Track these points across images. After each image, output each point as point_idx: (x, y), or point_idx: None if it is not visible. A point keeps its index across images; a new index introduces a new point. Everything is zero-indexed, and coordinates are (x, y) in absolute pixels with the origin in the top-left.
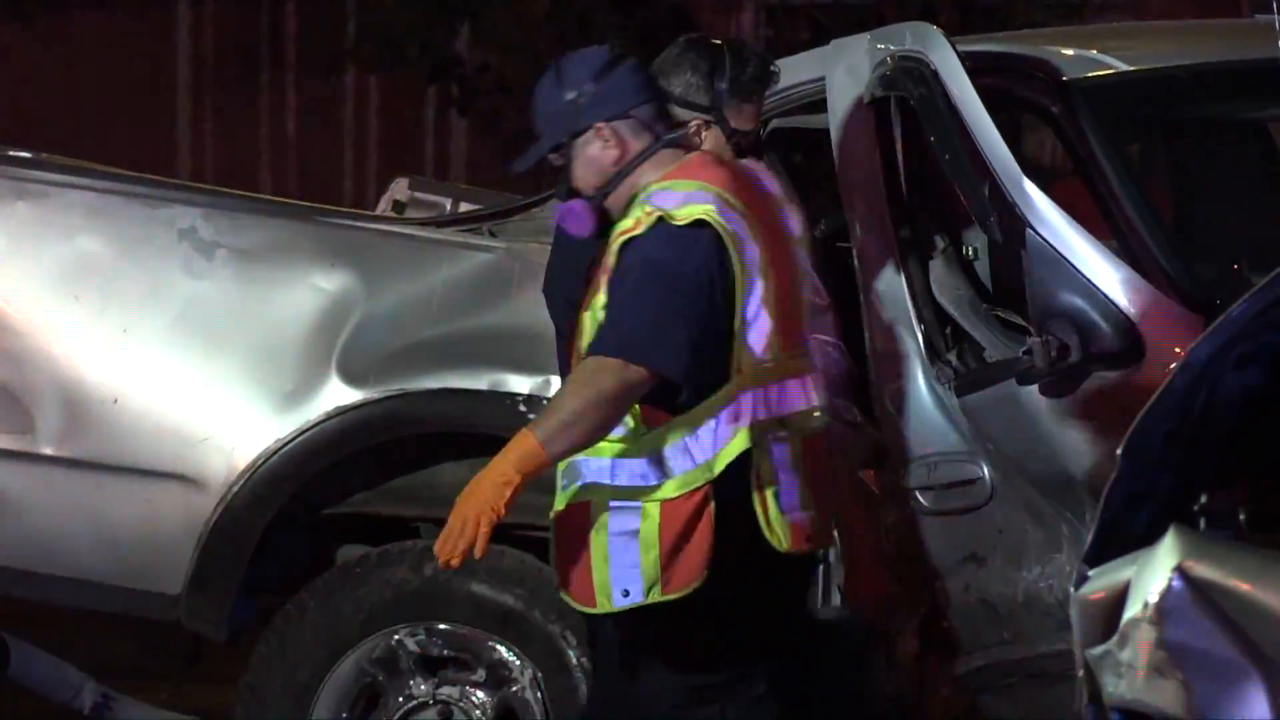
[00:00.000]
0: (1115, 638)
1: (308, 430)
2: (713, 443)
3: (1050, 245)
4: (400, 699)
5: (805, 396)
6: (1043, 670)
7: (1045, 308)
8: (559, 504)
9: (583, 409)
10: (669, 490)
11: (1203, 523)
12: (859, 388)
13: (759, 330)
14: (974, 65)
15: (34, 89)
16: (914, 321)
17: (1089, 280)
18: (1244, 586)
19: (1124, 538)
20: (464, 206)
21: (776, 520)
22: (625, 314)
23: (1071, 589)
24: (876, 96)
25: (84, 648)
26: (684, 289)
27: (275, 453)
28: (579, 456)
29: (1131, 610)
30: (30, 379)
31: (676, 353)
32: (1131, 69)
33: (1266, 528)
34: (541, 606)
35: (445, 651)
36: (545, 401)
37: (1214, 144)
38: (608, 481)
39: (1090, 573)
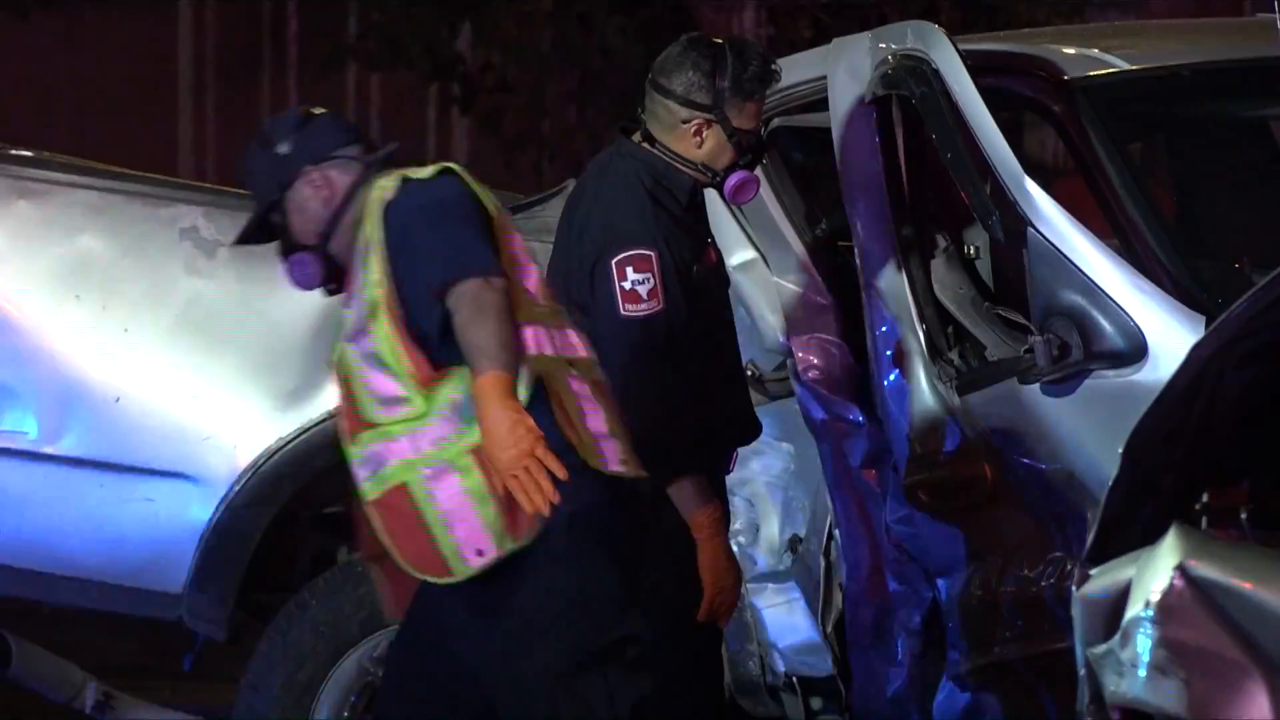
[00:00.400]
0: (1117, 636)
1: (309, 429)
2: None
3: (1052, 244)
4: None
5: (584, 347)
6: (1044, 670)
7: (1047, 306)
8: (372, 493)
9: (500, 327)
10: (476, 435)
11: (1204, 521)
12: (860, 386)
13: (528, 276)
14: (975, 64)
15: (35, 87)
16: (915, 320)
17: (1090, 279)
18: (1245, 585)
19: (1125, 536)
20: None
21: (588, 442)
22: (437, 245)
23: (1073, 588)
24: (878, 95)
25: (86, 646)
26: (465, 211)
27: (277, 451)
28: (376, 444)
29: (1133, 609)
30: (32, 378)
31: (493, 259)
32: (1133, 68)
33: (1268, 526)
34: None
35: None
36: None
37: (1215, 143)
38: (412, 455)
39: (1092, 571)
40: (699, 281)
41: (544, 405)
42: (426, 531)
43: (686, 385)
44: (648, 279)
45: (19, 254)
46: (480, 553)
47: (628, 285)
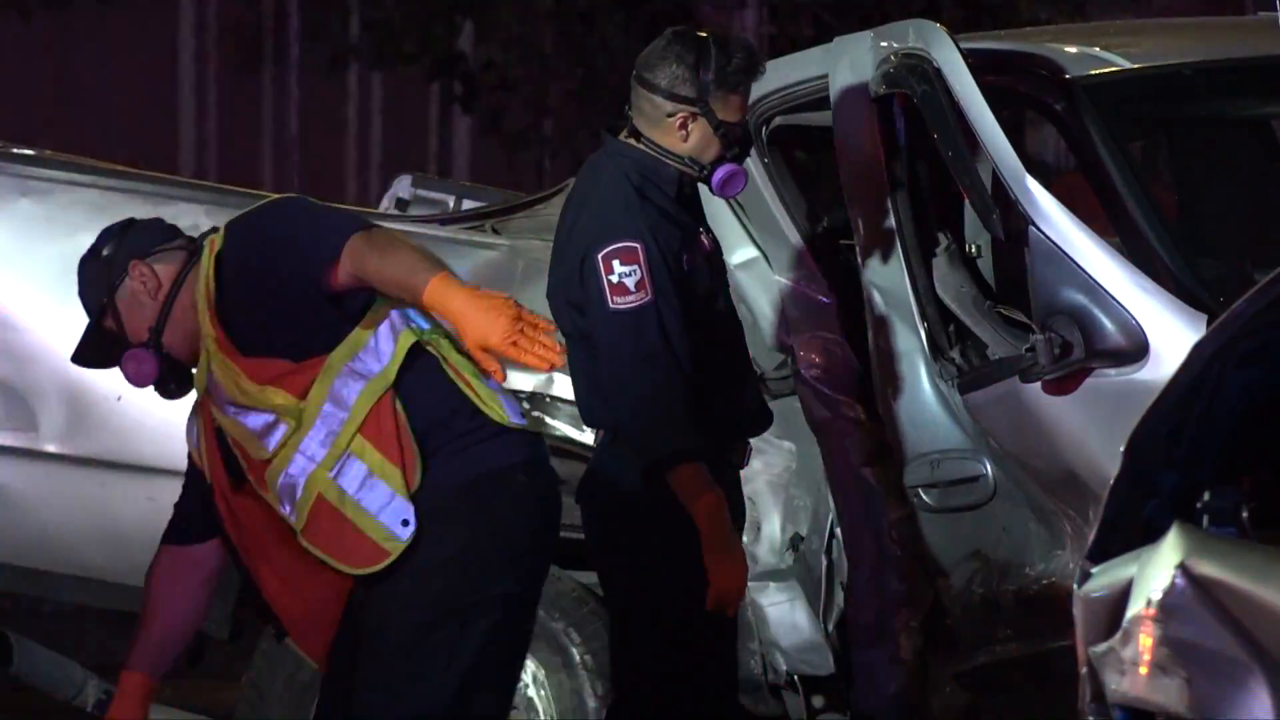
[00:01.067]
0: (1118, 635)
1: None
2: (378, 357)
3: (1053, 242)
4: None
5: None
6: (1045, 668)
7: (1048, 305)
8: (301, 523)
9: (410, 250)
10: (358, 416)
11: (1206, 520)
12: (862, 385)
13: None
14: (977, 62)
15: (36, 86)
16: (917, 319)
17: (1092, 277)
18: (1247, 584)
19: (1127, 535)
20: (467, 204)
21: (488, 396)
22: (304, 235)
23: (1074, 586)
24: (879, 94)
25: (87, 644)
26: (309, 204)
27: None
28: (280, 475)
29: (1134, 607)
30: (33, 376)
31: (364, 221)
32: (1134, 66)
33: (1269, 525)
34: (544, 604)
35: None
36: (547, 399)
37: (1217, 141)
38: (312, 466)
39: (1093, 570)
40: (691, 272)
41: (434, 369)
42: (352, 524)
43: (682, 375)
44: (634, 271)
45: (21, 252)
46: (406, 522)
47: (615, 278)
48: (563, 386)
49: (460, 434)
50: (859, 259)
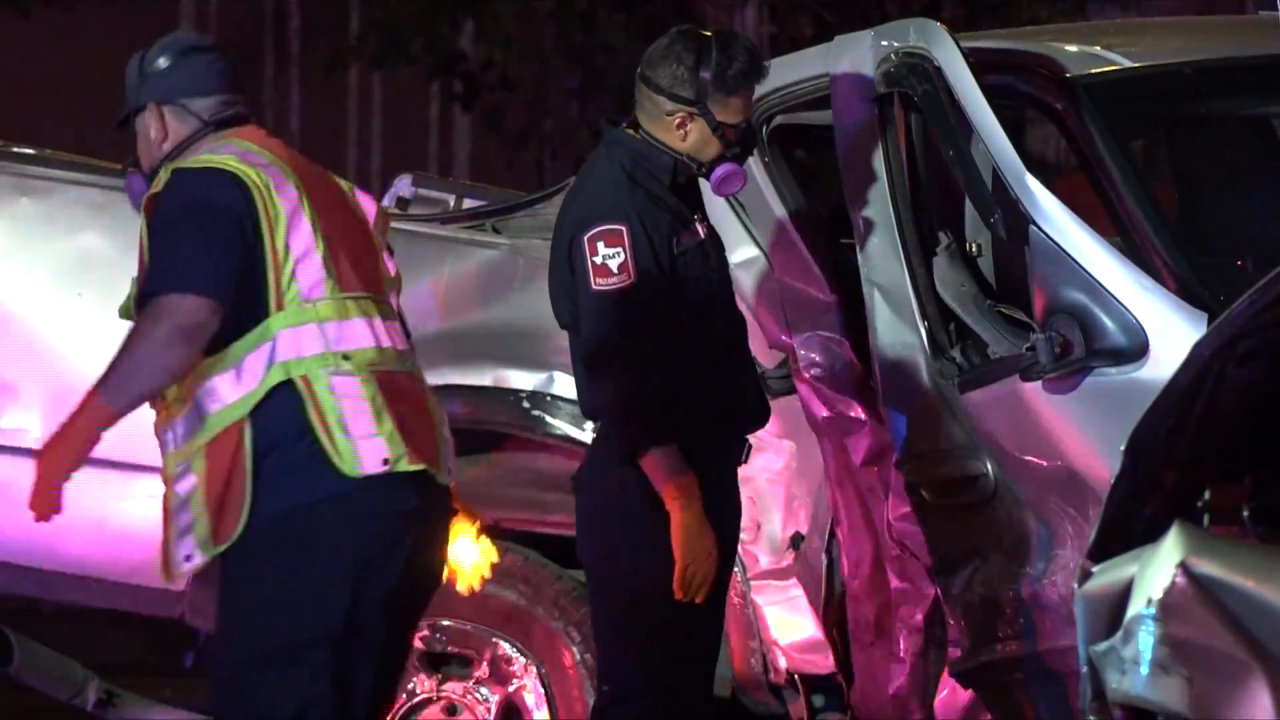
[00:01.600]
0: (1119, 634)
1: None
2: (245, 381)
3: (1053, 241)
4: (404, 695)
5: (373, 336)
6: (1046, 667)
7: (1049, 304)
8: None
9: (141, 357)
10: (208, 434)
11: (1206, 519)
12: (862, 384)
13: (308, 268)
14: (977, 61)
15: (37, 85)
16: (917, 317)
17: (1092, 276)
18: (1247, 583)
19: (1128, 534)
20: (468, 203)
21: (344, 446)
22: (165, 253)
23: (1075, 585)
24: (880, 93)
25: (87, 644)
26: (215, 220)
27: None
28: (164, 433)
29: (1135, 606)
30: (34, 375)
31: (219, 279)
32: (1135, 65)
33: (1270, 523)
34: (544, 603)
35: (449, 648)
36: (548, 398)
37: (1217, 140)
38: (174, 448)
39: (1094, 569)
40: (683, 253)
41: (294, 406)
42: (168, 531)
43: (658, 360)
44: (618, 253)
45: (21, 251)
46: (189, 558)
47: (599, 260)
48: (563, 385)
49: (284, 471)
50: (859, 258)
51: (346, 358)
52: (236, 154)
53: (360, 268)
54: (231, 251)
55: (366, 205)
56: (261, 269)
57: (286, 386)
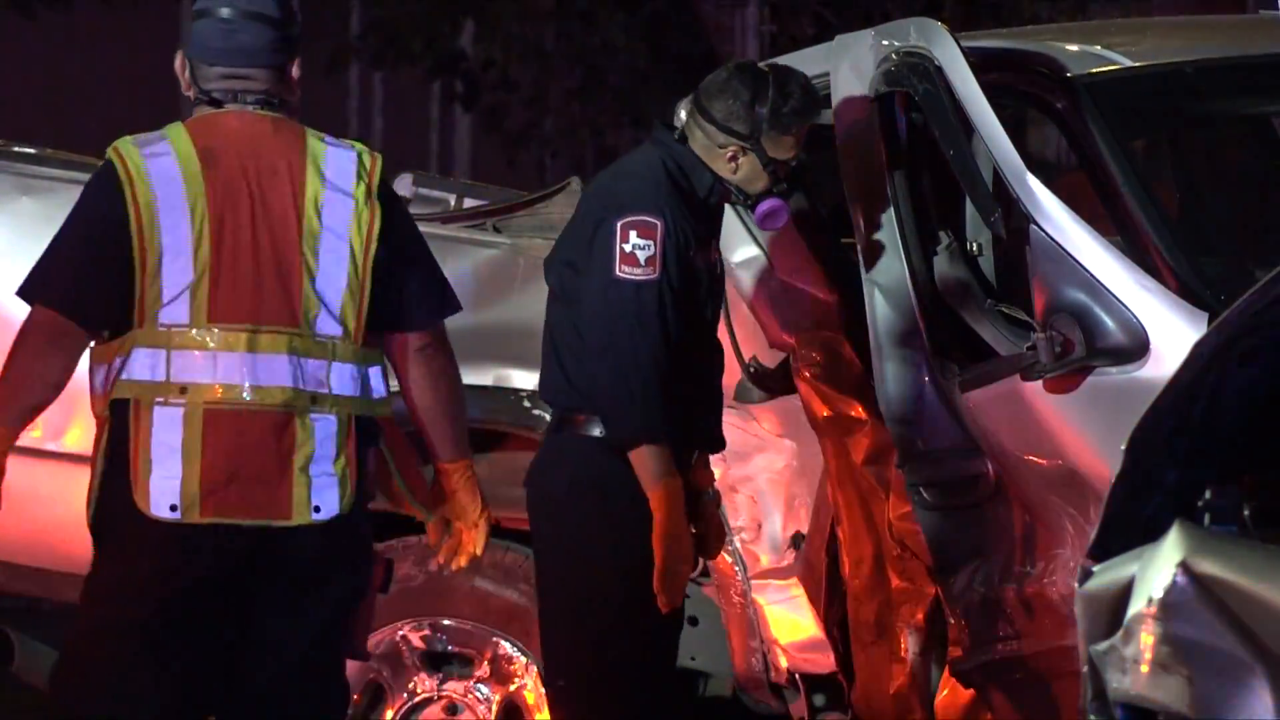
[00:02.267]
0: (1119, 633)
1: None
2: (106, 384)
3: (1054, 240)
4: (405, 695)
5: (231, 372)
6: (1047, 666)
7: (1049, 303)
8: None
9: (19, 370)
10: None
11: (1207, 518)
12: (863, 383)
13: (172, 291)
14: (978, 61)
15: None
16: (918, 317)
17: (1093, 276)
18: (1248, 582)
19: (1128, 533)
20: (468, 202)
21: (143, 481)
22: (42, 254)
23: (1075, 584)
24: (881, 92)
25: None
26: (73, 223)
27: None
28: None
29: (1136, 606)
30: None
31: (64, 288)
32: (1136, 65)
33: (1271, 523)
34: None
35: (450, 647)
36: (533, 398)
37: (1218, 140)
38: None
39: (1094, 568)
40: (693, 271)
41: (127, 423)
42: None
43: (665, 359)
44: (649, 246)
45: (22, 251)
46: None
47: (628, 248)
48: None
49: (115, 476)
50: (860, 257)
51: (183, 390)
52: (142, 147)
53: (259, 297)
54: (75, 255)
55: (335, 217)
56: (131, 281)
57: (126, 403)
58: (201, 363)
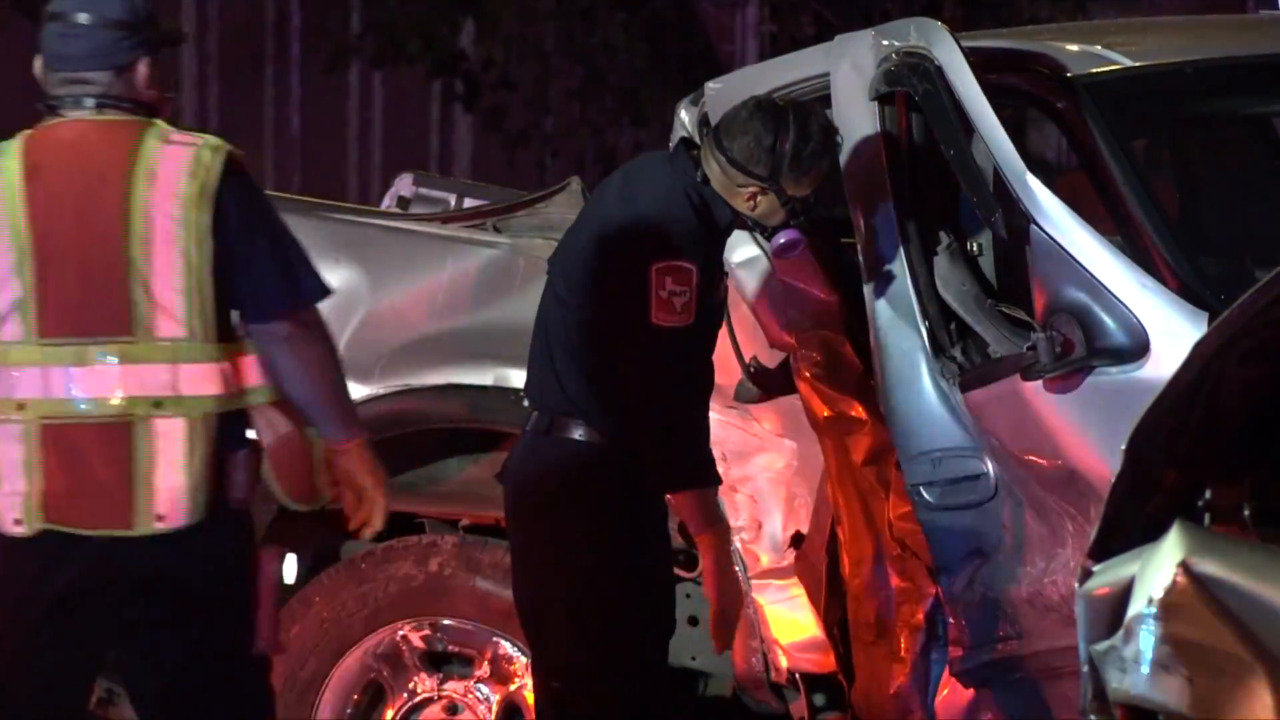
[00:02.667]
0: (1120, 633)
1: None
2: None
3: (1054, 240)
4: (405, 694)
5: (61, 386)
6: (1047, 666)
7: (1049, 303)
8: None
9: None
10: None
11: (1207, 518)
12: (863, 383)
13: (1, 304)
14: (978, 61)
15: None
16: (918, 317)
17: (1093, 276)
18: (1248, 582)
19: (1128, 533)
20: (468, 202)
21: (39, 494)
22: None
23: (1076, 584)
24: (881, 92)
25: None
26: None
27: None
28: None
29: (1136, 606)
30: None
31: None
32: (1136, 64)
33: (1271, 523)
34: None
35: (450, 647)
36: None
37: (1219, 139)
38: None
39: (1095, 568)
40: (714, 309)
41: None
42: None
43: (705, 401)
44: (685, 293)
45: None
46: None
47: (664, 294)
48: None
49: None
50: (860, 257)
51: (21, 407)
52: None
53: (86, 309)
54: None
55: (164, 219)
56: None
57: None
58: (34, 379)
